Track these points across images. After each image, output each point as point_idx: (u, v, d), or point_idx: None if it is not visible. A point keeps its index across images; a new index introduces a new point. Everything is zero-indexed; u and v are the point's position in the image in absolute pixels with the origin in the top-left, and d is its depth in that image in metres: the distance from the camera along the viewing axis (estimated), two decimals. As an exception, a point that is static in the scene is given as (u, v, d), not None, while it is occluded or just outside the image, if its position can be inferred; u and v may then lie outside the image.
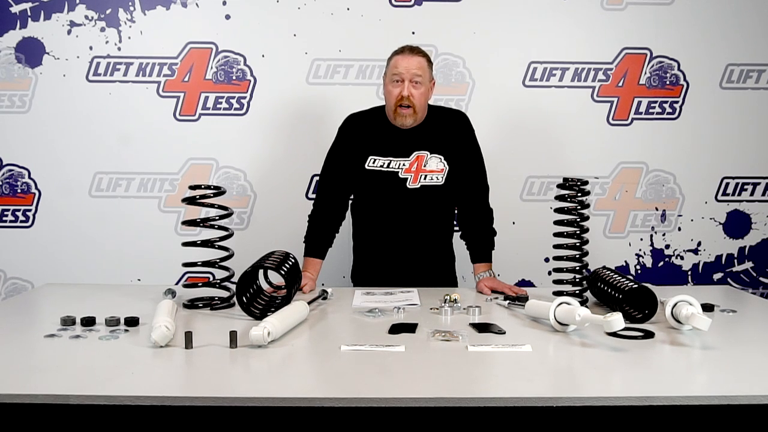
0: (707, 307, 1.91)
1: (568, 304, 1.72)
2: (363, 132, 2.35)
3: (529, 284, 3.05)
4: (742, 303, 2.10)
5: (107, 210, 3.04)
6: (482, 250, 2.37)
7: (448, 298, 1.93)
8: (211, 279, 2.05)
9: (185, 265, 2.04)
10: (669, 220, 3.11)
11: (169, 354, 1.55)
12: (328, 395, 1.31)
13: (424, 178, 2.32)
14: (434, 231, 2.39)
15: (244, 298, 1.86)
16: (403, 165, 2.31)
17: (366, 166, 2.33)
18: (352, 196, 2.45)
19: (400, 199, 2.32)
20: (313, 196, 2.99)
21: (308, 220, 2.41)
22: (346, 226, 2.48)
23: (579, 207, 2.00)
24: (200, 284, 2.09)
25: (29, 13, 2.97)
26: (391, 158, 2.31)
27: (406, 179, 2.31)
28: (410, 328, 1.74)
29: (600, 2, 3.01)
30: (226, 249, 2.03)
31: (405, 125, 2.29)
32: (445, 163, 2.33)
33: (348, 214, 2.46)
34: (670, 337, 1.67)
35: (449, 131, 2.35)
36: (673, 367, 1.51)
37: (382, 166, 2.32)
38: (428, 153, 2.32)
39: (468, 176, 2.37)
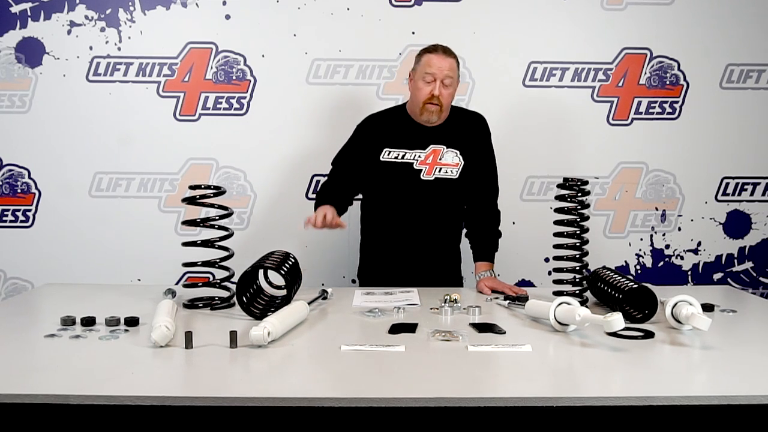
0: (707, 307, 1.91)
1: (568, 304, 1.72)
2: (380, 129, 2.36)
3: (529, 284, 3.05)
4: (742, 303, 2.10)
5: (107, 210, 3.04)
6: (485, 249, 2.37)
7: (448, 298, 1.93)
8: (211, 279, 2.05)
9: (185, 265, 2.04)
10: (669, 220, 3.11)
11: (169, 354, 1.55)
12: (328, 395, 1.31)
13: (439, 171, 2.32)
14: (444, 227, 2.40)
15: (244, 298, 1.86)
16: (419, 156, 2.31)
17: (381, 158, 2.33)
18: (359, 195, 2.46)
19: (414, 190, 2.32)
20: (314, 196, 3.00)
21: (316, 195, 2.40)
22: (349, 226, 2.48)
23: (579, 207, 2.00)
24: (200, 284, 2.09)
25: (29, 13, 2.97)
26: (406, 150, 2.32)
27: (420, 171, 2.32)
28: (410, 328, 1.74)
29: (600, 2, 3.01)
30: (226, 249, 2.03)
31: (430, 122, 2.30)
32: (461, 158, 2.33)
33: (355, 213, 2.46)
34: (670, 337, 1.67)
35: (467, 130, 2.36)
36: (673, 367, 1.51)
37: (396, 158, 2.32)
38: (445, 147, 2.32)
39: (480, 176, 2.38)
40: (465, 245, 2.46)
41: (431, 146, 2.32)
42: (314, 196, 2.98)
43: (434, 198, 2.33)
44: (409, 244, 2.36)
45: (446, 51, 2.29)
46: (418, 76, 2.29)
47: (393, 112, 2.41)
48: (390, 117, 2.39)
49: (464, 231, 2.47)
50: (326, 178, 2.47)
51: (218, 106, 3.02)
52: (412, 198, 2.33)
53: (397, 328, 1.73)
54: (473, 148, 2.36)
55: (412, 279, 2.31)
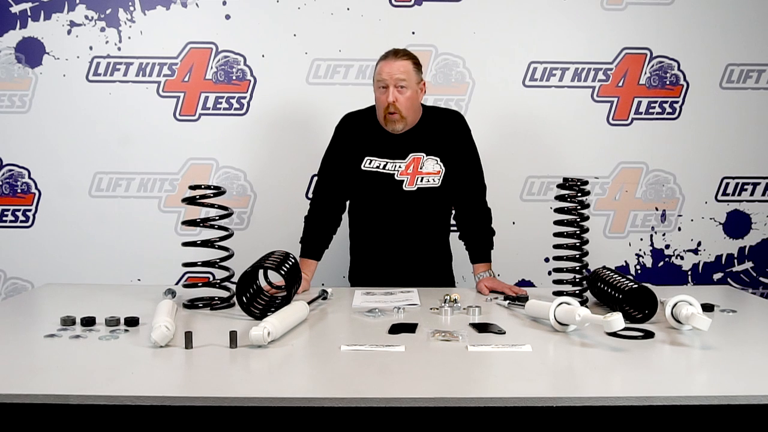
0: (707, 307, 1.91)
1: (568, 304, 1.72)
2: (359, 132, 2.35)
3: (529, 284, 3.05)
4: (742, 303, 2.10)
5: (107, 210, 3.04)
6: (481, 250, 2.37)
7: (448, 298, 1.93)
8: (211, 279, 2.05)
9: (185, 265, 2.04)
10: (669, 220, 3.11)
11: (169, 354, 1.55)
12: (328, 395, 1.31)
13: (421, 181, 2.31)
14: (431, 232, 2.39)
15: (244, 298, 1.86)
16: (400, 167, 2.31)
17: (362, 167, 2.32)
18: (349, 199, 2.45)
19: (397, 201, 2.32)
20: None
21: (305, 220, 2.41)
22: (346, 225, 2.48)
23: (579, 207, 2.00)
24: (200, 284, 2.09)
25: (29, 13, 2.97)
26: (387, 160, 2.31)
27: (402, 181, 2.31)
28: (410, 328, 1.74)
29: (600, 2, 3.01)
30: (226, 249, 2.03)
31: (396, 131, 2.28)
32: (442, 165, 2.32)
33: (345, 214, 2.46)
34: (670, 337, 1.67)
35: (445, 132, 2.34)
36: (673, 367, 1.51)
37: (378, 168, 2.31)
38: (424, 155, 2.31)
39: (465, 176, 2.36)
40: (459, 245, 2.45)
41: (411, 155, 2.31)
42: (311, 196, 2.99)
43: (418, 207, 2.32)
44: (397, 248, 2.36)
45: (397, 53, 2.25)
46: (375, 86, 2.28)
47: (371, 113, 2.36)
48: (368, 119, 2.35)
49: (458, 234, 2.45)
50: (314, 194, 2.44)
51: (218, 106, 3.02)
52: (396, 208, 2.32)
53: (397, 328, 1.74)
54: (453, 150, 2.33)
55: (402, 280, 2.31)
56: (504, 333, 1.71)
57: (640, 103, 3.06)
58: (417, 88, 2.27)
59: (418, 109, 2.32)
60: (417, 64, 2.28)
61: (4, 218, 3.05)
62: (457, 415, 1.30)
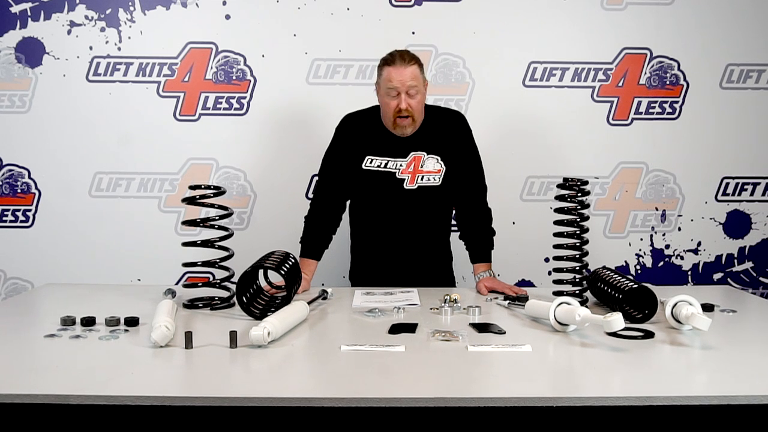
0: (707, 307, 1.91)
1: (568, 304, 1.72)
2: (360, 132, 2.35)
3: (529, 284, 3.05)
4: (742, 303, 2.10)
5: (107, 210, 3.04)
6: (481, 250, 2.37)
7: (448, 298, 1.93)
8: (211, 279, 2.05)
9: (185, 265, 2.04)
10: (669, 220, 3.11)
11: (169, 354, 1.55)
12: (328, 395, 1.31)
13: (422, 179, 2.31)
14: (432, 231, 2.39)
15: (244, 298, 1.86)
16: (400, 165, 2.31)
17: (363, 166, 2.33)
18: (349, 199, 2.45)
19: (398, 199, 2.32)
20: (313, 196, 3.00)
21: (305, 220, 2.41)
22: (346, 225, 2.49)
23: (579, 207, 2.00)
24: (200, 284, 2.09)
25: (29, 13, 2.97)
26: (388, 158, 2.31)
27: (403, 180, 2.31)
28: (410, 328, 1.74)
29: (600, 2, 3.01)
30: (226, 249, 2.03)
31: (405, 134, 2.29)
32: (443, 163, 2.32)
33: (346, 214, 2.47)
34: (670, 337, 1.67)
35: (446, 132, 2.34)
36: (673, 367, 1.51)
37: (379, 166, 2.32)
38: (425, 154, 2.32)
39: (466, 176, 2.37)
40: (459, 245, 2.45)
41: (412, 153, 2.31)
42: (312, 196, 2.99)
43: (419, 206, 2.33)
44: (398, 248, 2.36)
45: (404, 58, 2.23)
46: (382, 91, 2.26)
47: (372, 113, 2.36)
48: (369, 119, 2.36)
49: (458, 233, 2.46)
50: (314, 194, 2.45)
51: (218, 106, 3.02)
52: (397, 207, 2.33)
53: (397, 328, 1.74)
54: (454, 150, 2.34)
55: (403, 280, 2.31)
56: (504, 333, 1.71)
57: (640, 103, 3.06)
58: (424, 90, 2.29)
59: (423, 110, 2.33)
60: (422, 66, 2.29)
61: (4, 218, 3.05)
62: (457, 415, 1.30)
